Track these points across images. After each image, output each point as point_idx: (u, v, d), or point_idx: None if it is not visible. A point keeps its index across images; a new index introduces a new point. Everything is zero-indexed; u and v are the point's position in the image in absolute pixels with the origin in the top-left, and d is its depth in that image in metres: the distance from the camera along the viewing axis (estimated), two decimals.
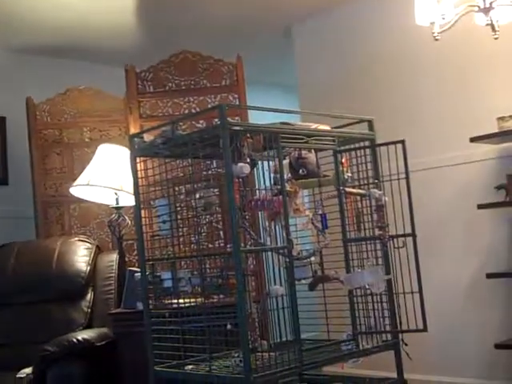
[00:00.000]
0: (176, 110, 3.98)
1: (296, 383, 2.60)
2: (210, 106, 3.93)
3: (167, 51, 4.03)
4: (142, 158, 2.57)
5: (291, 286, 2.27)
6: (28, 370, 2.94)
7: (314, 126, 2.59)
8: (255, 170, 2.40)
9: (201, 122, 3.93)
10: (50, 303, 3.40)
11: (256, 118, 2.65)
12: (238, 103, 3.92)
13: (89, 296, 3.45)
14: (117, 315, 3.13)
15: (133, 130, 3.83)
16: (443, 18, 2.89)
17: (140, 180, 2.54)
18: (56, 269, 3.46)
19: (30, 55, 4.52)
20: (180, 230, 2.47)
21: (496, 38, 2.91)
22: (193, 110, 3.96)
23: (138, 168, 2.54)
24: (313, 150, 2.63)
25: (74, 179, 3.68)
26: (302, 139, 2.50)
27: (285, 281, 2.32)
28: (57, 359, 2.84)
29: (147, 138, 2.59)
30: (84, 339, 2.93)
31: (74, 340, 2.90)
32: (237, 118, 3.73)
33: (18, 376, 2.93)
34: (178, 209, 2.50)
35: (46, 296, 3.41)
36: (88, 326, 3.32)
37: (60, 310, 3.37)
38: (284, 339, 2.34)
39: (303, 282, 2.46)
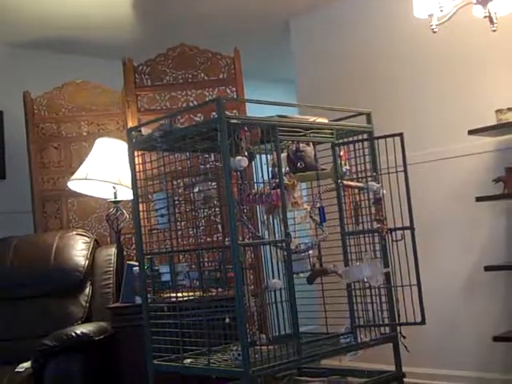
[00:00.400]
0: (174, 104, 3.97)
1: (294, 377, 2.61)
2: (207, 99, 3.92)
3: (165, 45, 4.02)
4: (139, 152, 2.57)
5: (289, 279, 2.27)
6: (27, 364, 2.94)
7: (311, 118, 2.59)
8: (253, 163, 2.40)
9: (199, 115, 3.92)
10: (49, 297, 3.40)
11: (254, 112, 2.64)
12: (235, 97, 3.91)
13: (87, 290, 3.45)
14: (115, 309, 3.12)
15: (130, 124, 3.82)
16: (441, 11, 2.88)
17: (138, 174, 2.54)
18: (54, 263, 3.45)
19: (27, 49, 4.50)
20: (178, 223, 2.47)
21: (494, 31, 2.89)
22: (190, 104, 3.95)
23: (136, 162, 2.54)
24: (311, 143, 2.63)
25: (72, 173, 3.67)
26: (300, 132, 2.50)
27: (283, 274, 2.32)
28: (55, 353, 2.84)
29: (145, 131, 2.59)
30: (83, 333, 2.92)
31: (73, 334, 2.90)
32: (234, 111, 3.72)
33: (16, 370, 2.94)
34: (176, 202, 2.50)
35: (45, 290, 3.41)
36: (87, 320, 3.31)
37: (58, 304, 3.37)
38: (283, 333, 2.34)
39: (301, 275, 2.46)
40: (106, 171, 3.49)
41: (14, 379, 2.86)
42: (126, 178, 3.38)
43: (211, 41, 4.18)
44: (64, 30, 4.29)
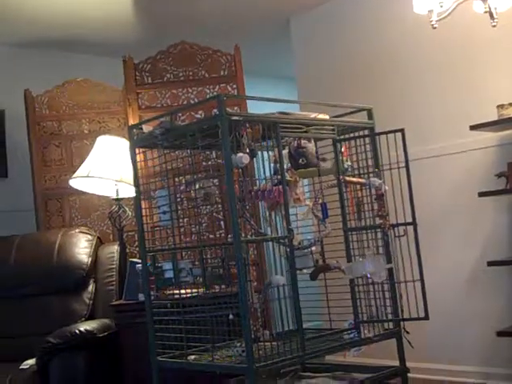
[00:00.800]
0: (174, 101, 3.97)
1: (298, 372, 2.61)
2: (208, 96, 3.92)
3: (166, 42, 4.01)
4: (141, 150, 2.57)
5: (292, 275, 2.27)
6: (31, 362, 2.95)
7: (313, 115, 2.59)
8: (255, 159, 2.40)
9: (200, 112, 3.92)
10: (52, 295, 3.40)
11: (255, 109, 2.64)
12: (236, 94, 3.91)
13: (90, 287, 3.45)
14: (119, 306, 3.13)
15: (132, 122, 3.81)
16: (441, 6, 2.87)
17: (140, 171, 2.54)
18: (57, 261, 3.45)
19: (29, 48, 4.49)
20: (180, 220, 2.47)
21: (494, 26, 2.89)
22: (191, 101, 3.95)
23: (138, 159, 2.54)
24: (312, 140, 2.63)
25: (74, 171, 3.67)
26: (302, 129, 2.50)
27: (286, 270, 2.32)
28: (59, 350, 2.84)
29: (146, 129, 2.59)
30: (86, 330, 2.93)
31: (77, 331, 2.90)
32: (236, 108, 3.72)
33: (21, 367, 2.95)
34: (178, 199, 2.50)
35: (48, 288, 3.41)
36: (90, 318, 3.32)
37: (62, 302, 3.37)
38: (286, 329, 2.34)
39: (305, 271, 2.46)
40: (107, 169, 3.50)
41: (19, 376, 2.87)
42: (128, 175, 3.38)
43: (212, 38, 4.17)
44: (65, 29, 4.28)
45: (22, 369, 2.93)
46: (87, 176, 3.52)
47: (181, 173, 2.59)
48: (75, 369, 2.82)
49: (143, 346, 2.47)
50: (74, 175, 3.61)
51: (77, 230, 3.65)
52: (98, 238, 3.71)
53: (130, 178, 3.28)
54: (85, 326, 2.97)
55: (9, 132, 4.40)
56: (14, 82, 4.33)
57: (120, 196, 3.58)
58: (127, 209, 3.60)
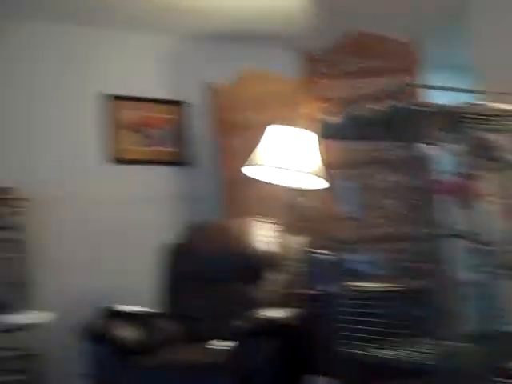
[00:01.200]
0: (351, 92, 3.94)
1: (489, 377, 2.51)
2: (386, 87, 3.83)
3: (340, 33, 4.00)
4: (328, 140, 2.59)
5: (485, 274, 2.19)
6: (217, 342, 3.09)
7: (502, 106, 2.47)
8: (439, 152, 2.35)
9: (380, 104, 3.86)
10: (237, 282, 3.50)
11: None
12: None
13: (273, 276, 3.49)
14: (304, 296, 3.11)
15: (309, 113, 3.81)
16: None
17: (326, 162, 2.57)
18: (241, 249, 3.55)
19: (204, 41, 4.64)
20: (368, 212, 2.47)
21: None
22: (368, 92, 3.90)
23: (325, 150, 2.57)
24: (501, 133, 2.51)
25: (257, 161, 3.70)
26: (489, 120, 2.40)
27: (476, 268, 2.24)
28: (247, 335, 2.89)
29: (330, 120, 2.61)
30: (274, 318, 2.96)
31: (265, 317, 2.95)
32: (413, 100, 3.62)
33: (207, 347, 3.11)
34: (365, 191, 2.50)
35: (234, 275, 3.51)
36: (274, 306, 3.28)
37: (246, 289, 3.46)
38: (479, 331, 2.26)
39: (497, 270, 2.35)
40: (291, 159, 3.39)
41: (208, 356, 2.99)
42: (312, 166, 3.34)
43: (385, 28, 4.08)
44: (241, 23, 4.42)
45: (209, 348, 3.08)
46: (272, 166, 3.49)
47: (365, 164, 2.58)
48: (261, 354, 2.84)
49: (329, 336, 2.48)
50: (248, 162, 3.56)
51: (261, 219, 3.70)
52: (282, 227, 3.72)
53: (313, 169, 3.29)
54: (272, 313, 3.00)
55: (188, 122, 4.62)
56: (191, 73, 4.55)
57: (305, 187, 3.55)
58: (312, 200, 3.57)
